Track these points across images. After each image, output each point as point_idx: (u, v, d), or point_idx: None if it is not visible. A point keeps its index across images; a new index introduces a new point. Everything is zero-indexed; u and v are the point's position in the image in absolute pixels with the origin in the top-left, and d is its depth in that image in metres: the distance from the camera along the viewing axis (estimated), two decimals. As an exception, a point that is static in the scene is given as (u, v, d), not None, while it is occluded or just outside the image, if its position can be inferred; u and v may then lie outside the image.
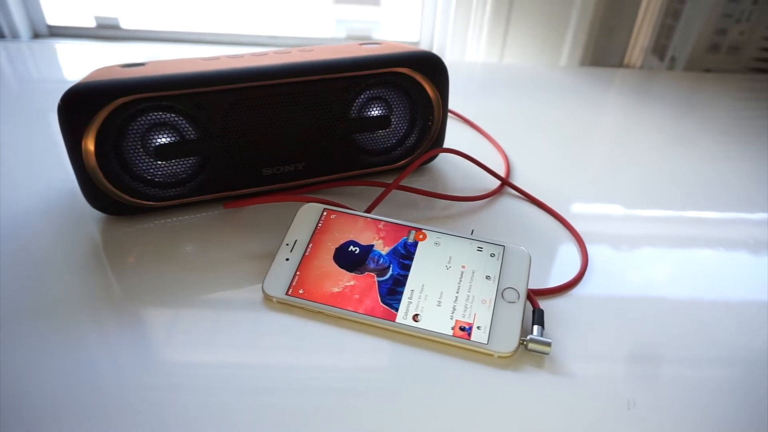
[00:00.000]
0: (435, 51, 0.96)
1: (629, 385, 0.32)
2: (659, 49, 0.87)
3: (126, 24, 0.97)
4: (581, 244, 0.43)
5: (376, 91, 0.45)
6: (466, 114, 0.64)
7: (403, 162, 0.49)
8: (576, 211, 0.47)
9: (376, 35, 1.02)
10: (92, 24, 0.96)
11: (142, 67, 0.42)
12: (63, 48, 0.88)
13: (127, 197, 0.41)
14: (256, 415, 0.29)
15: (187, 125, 0.40)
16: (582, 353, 0.34)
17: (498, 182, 0.50)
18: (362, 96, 0.44)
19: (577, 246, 0.43)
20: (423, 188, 0.47)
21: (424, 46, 0.97)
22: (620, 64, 0.90)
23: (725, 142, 0.63)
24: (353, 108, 0.45)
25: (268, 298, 0.36)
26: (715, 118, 0.69)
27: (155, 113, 0.39)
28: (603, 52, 0.87)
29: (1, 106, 0.63)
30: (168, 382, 0.31)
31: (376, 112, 0.46)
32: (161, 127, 0.40)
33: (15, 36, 0.91)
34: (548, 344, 0.33)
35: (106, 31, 0.97)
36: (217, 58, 0.45)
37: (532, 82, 0.75)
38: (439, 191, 0.49)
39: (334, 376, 0.32)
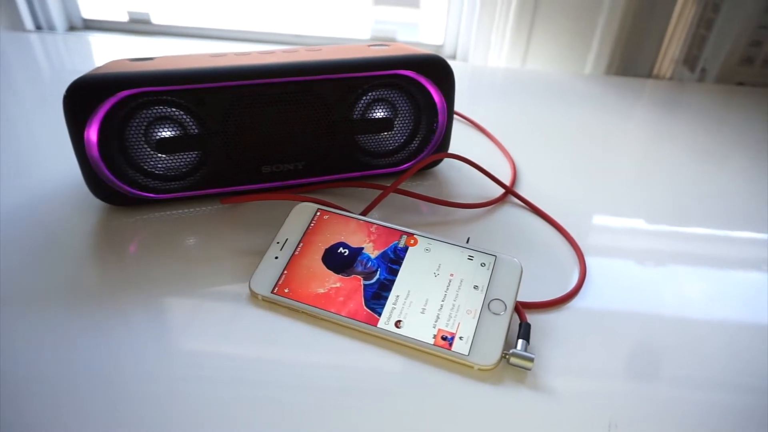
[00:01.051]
0: (459, 55, 0.95)
1: (613, 406, 0.31)
2: (690, 60, 0.84)
3: (156, 19, 0.99)
4: (581, 259, 0.41)
5: (379, 93, 0.44)
6: (482, 119, 0.63)
7: (405, 166, 0.48)
8: (583, 224, 0.46)
9: (407, 38, 1.01)
10: (125, 18, 0.99)
11: (149, 62, 0.43)
12: (96, 40, 0.91)
13: (128, 188, 0.42)
14: (217, 404, 0.29)
15: (188, 120, 0.41)
16: (567, 370, 0.33)
17: (502, 190, 0.49)
18: (366, 97, 0.44)
19: (577, 261, 0.42)
20: (424, 193, 0.46)
21: (448, 50, 0.96)
22: (649, 75, 0.87)
23: (757, 158, 0.60)
24: (356, 109, 0.44)
25: (254, 295, 0.36)
26: (747, 133, 0.66)
27: (157, 107, 0.40)
28: (631, 61, 0.84)
29: (35, 95, 0.66)
30: (140, 369, 0.31)
31: (380, 114, 0.46)
32: (163, 120, 0.41)
33: (51, 28, 0.95)
34: (531, 359, 0.32)
35: (138, 26, 0.99)
36: (224, 55, 0.45)
37: (553, 90, 0.74)
38: (443, 196, 0.48)
39: (305, 373, 0.31)
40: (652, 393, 0.32)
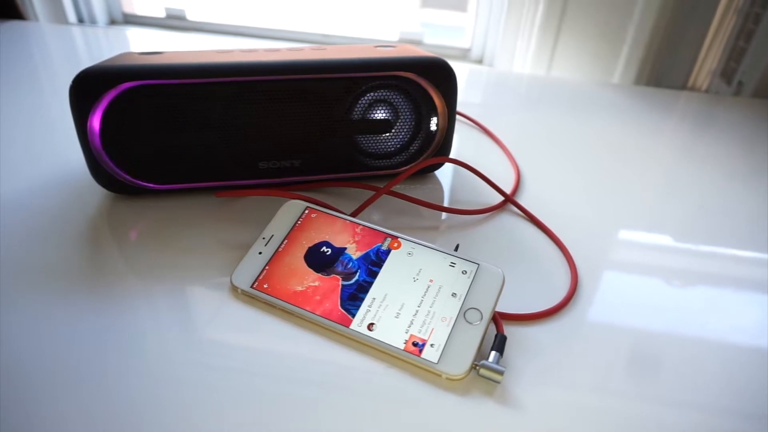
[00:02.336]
0: (485, 60, 0.94)
1: (582, 426, 0.29)
2: (728, 72, 0.80)
3: (191, 16, 1.02)
4: (573, 274, 0.40)
5: (380, 95, 0.44)
6: (498, 125, 0.62)
7: (404, 169, 0.48)
8: (583, 239, 0.44)
9: (438, 41, 1.00)
10: (162, 14, 1.02)
11: (157, 56, 0.44)
12: (134, 35, 0.94)
13: (128, 177, 0.43)
14: (174, 387, 0.30)
15: (190, 114, 0.42)
16: (539, 387, 0.32)
17: (501, 198, 0.48)
18: (365, 98, 0.44)
19: (569, 275, 0.40)
20: (424, 196, 0.46)
21: (475, 55, 0.95)
22: (683, 86, 0.84)
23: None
24: (356, 109, 0.44)
25: (234, 288, 0.37)
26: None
27: (159, 100, 0.41)
28: (664, 71, 0.81)
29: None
30: (114, 348, 0.32)
31: (381, 115, 0.45)
32: (166, 113, 0.42)
33: (93, 22, 0.99)
34: (500, 372, 0.31)
35: (174, 22, 1.03)
36: (230, 52, 0.46)
37: (577, 98, 0.72)
38: (442, 201, 0.47)
39: (270, 366, 0.31)
40: (627, 413, 0.30)
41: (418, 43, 0.98)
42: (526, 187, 0.51)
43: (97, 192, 0.46)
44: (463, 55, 0.96)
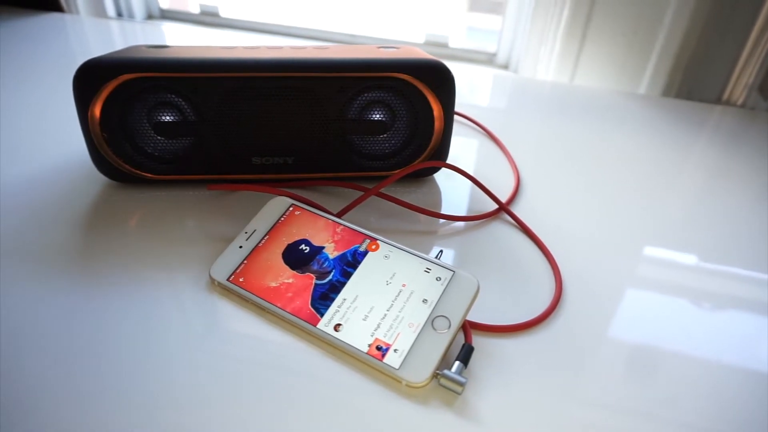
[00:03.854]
0: (511, 66, 0.92)
1: (538, 449, 0.28)
2: (766, 87, 0.76)
3: (224, 13, 1.05)
4: (558, 290, 0.39)
5: (376, 95, 0.44)
6: (510, 132, 0.61)
7: (396, 171, 0.47)
8: (577, 255, 0.43)
9: (465, 45, 0.99)
10: (196, 11, 1.05)
11: (162, 50, 0.45)
12: (170, 30, 0.97)
13: (127, 166, 0.44)
14: (135, 368, 0.30)
15: (186, 107, 0.43)
16: (502, 402, 0.31)
17: (494, 206, 0.47)
18: (361, 98, 0.44)
19: (554, 289, 0.39)
20: (418, 200, 0.45)
21: (501, 60, 0.93)
22: (717, 100, 0.80)
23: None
24: (351, 109, 0.44)
25: (211, 280, 0.37)
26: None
27: (156, 92, 0.42)
28: (695, 83, 0.77)
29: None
30: (88, 330, 0.33)
31: (378, 116, 0.45)
32: (164, 106, 0.43)
33: (131, 16, 1.03)
34: (461, 383, 0.30)
35: (207, 18, 1.05)
36: (234, 48, 0.47)
37: (600, 108, 0.69)
38: (437, 205, 0.47)
39: (233, 358, 0.32)
40: (588, 440, 0.29)
41: (444, 45, 0.97)
42: (526, 198, 0.50)
43: (99, 180, 0.48)
44: (489, 59, 0.95)
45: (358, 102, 0.44)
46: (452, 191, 0.50)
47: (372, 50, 0.47)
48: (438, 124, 0.45)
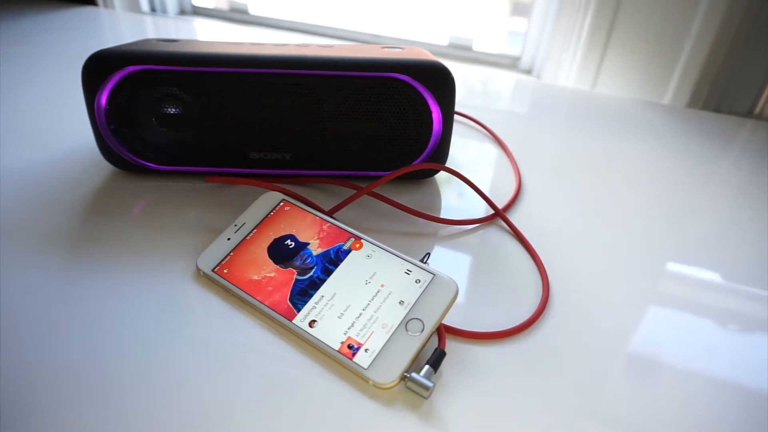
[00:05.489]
0: (534, 71, 0.91)
1: (498, 460, 0.28)
2: (801, 101, 0.72)
3: (253, 10, 1.06)
4: (543, 301, 0.38)
5: (374, 95, 0.44)
6: (520, 137, 0.60)
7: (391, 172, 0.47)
8: (570, 266, 0.42)
9: (488, 49, 0.98)
10: (226, 7, 1.08)
11: (172, 44, 0.47)
12: (200, 25, 1.00)
13: (130, 155, 0.46)
14: (114, 352, 0.31)
15: (188, 100, 0.44)
16: (469, 410, 0.30)
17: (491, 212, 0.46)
18: (359, 97, 0.44)
19: (540, 299, 0.38)
20: (416, 202, 0.45)
21: (524, 65, 0.92)
22: (749, 113, 0.77)
23: None
24: (350, 108, 0.44)
25: (197, 270, 0.38)
26: None
27: (160, 85, 0.43)
28: (724, 95, 0.74)
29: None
30: (65, 309, 0.34)
31: (376, 116, 0.45)
32: (167, 98, 0.44)
33: (164, 11, 1.06)
34: (427, 388, 0.30)
35: (237, 15, 1.08)
36: (240, 44, 0.48)
37: (620, 117, 0.67)
38: (434, 208, 0.46)
39: (207, 347, 0.32)
40: (552, 455, 0.28)
41: (468, 49, 0.96)
42: (527, 205, 0.49)
43: (106, 168, 0.49)
44: (513, 64, 0.94)
45: (356, 101, 0.44)
46: (453, 194, 0.49)
47: (375, 50, 0.47)
48: (436, 126, 0.45)
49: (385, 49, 0.48)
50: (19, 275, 0.37)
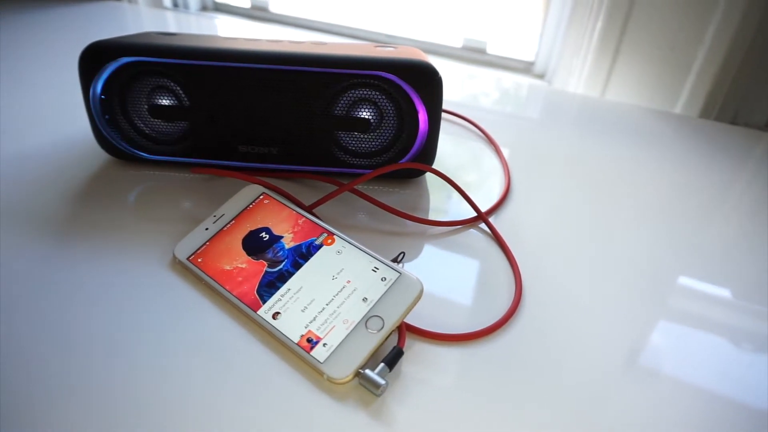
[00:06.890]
0: (547, 76, 0.89)
1: (442, 461, 0.28)
2: (822, 115, 0.70)
3: (274, 8, 1.08)
4: (514, 306, 0.37)
5: (362, 93, 0.44)
6: (519, 142, 0.59)
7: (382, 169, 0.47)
8: (547, 275, 0.41)
9: (501, 52, 0.97)
10: (247, 5, 1.09)
11: (169, 37, 0.48)
12: (221, 22, 1.02)
13: (124, 144, 0.47)
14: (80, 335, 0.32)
15: (181, 92, 0.45)
16: (421, 411, 0.30)
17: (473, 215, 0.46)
18: (347, 95, 0.44)
19: (510, 306, 0.38)
20: (401, 201, 0.45)
21: (538, 69, 0.91)
22: (767, 126, 0.74)
23: None
24: (337, 105, 0.45)
25: (174, 258, 0.39)
26: None
27: (153, 76, 0.44)
28: (740, 106, 0.72)
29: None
30: (45, 290, 0.35)
31: (364, 114, 0.45)
32: (161, 89, 0.45)
33: (186, 7, 1.08)
34: (378, 385, 0.30)
35: (257, 12, 1.09)
36: (235, 39, 0.49)
37: (628, 126, 0.65)
38: (419, 208, 0.46)
39: (173, 334, 0.33)
40: (497, 461, 0.28)
41: (482, 52, 0.95)
42: (515, 210, 0.48)
43: (101, 156, 0.51)
44: (527, 68, 0.92)
45: (344, 99, 0.44)
46: (442, 195, 0.49)
47: (367, 48, 0.47)
48: (422, 125, 0.45)
49: (378, 48, 0.48)
50: (5, 258, 0.39)
